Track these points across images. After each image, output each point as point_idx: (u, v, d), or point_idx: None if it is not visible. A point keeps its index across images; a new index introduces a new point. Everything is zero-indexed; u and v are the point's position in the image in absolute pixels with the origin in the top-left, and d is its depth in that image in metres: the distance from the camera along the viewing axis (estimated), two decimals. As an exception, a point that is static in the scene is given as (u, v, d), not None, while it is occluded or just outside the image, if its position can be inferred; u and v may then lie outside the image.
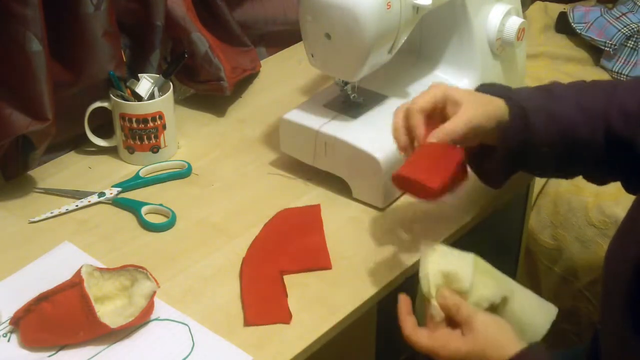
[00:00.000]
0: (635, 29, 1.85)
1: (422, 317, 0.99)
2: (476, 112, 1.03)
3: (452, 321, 0.95)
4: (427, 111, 1.03)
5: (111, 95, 1.28)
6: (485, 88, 1.10)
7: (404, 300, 0.99)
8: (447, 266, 0.97)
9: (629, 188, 1.10)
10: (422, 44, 1.37)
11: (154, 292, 1.01)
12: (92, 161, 1.33)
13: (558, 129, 1.06)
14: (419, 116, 1.02)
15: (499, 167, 1.09)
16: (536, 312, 0.99)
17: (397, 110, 1.06)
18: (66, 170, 1.31)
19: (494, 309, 0.98)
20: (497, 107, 1.05)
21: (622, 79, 1.84)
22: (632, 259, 0.90)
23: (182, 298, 1.06)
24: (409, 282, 1.13)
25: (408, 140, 1.03)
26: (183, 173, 1.29)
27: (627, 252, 0.93)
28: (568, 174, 1.15)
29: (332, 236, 1.17)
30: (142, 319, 1.01)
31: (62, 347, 0.99)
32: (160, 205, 1.21)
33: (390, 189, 1.22)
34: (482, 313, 0.95)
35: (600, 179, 1.13)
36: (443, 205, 1.11)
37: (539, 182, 1.67)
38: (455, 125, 1.01)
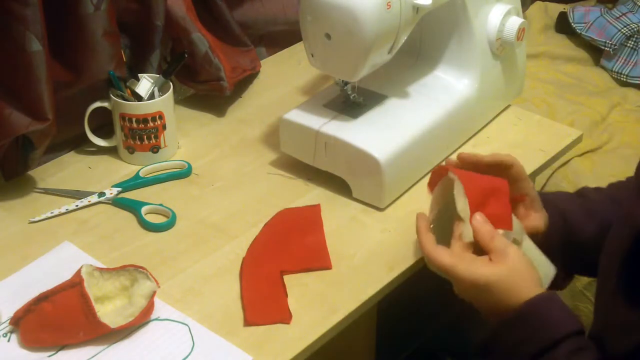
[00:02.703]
0: (635, 29, 1.85)
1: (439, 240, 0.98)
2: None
3: (478, 250, 0.95)
4: (489, 164, 1.03)
5: (111, 95, 1.28)
6: None
7: (422, 218, 0.98)
8: None
9: None
10: (422, 44, 1.36)
11: (154, 292, 1.01)
12: (92, 161, 1.33)
13: (595, 223, 1.07)
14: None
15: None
16: (538, 265, 0.99)
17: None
18: (66, 170, 1.31)
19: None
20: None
21: (622, 79, 1.84)
22: (626, 238, 0.92)
23: (182, 298, 1.06)
24: (409, 282, 1.14)
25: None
26: (183, 173, 1.29)
27: (622, 231, 0.94)
28: None
29: (332, 236, 1.17)
30: (142, 319, 1.01)
31: (62, 347, 0.99)
32: (160, 205, 1.21)
33: (390, 189, 1.22)
34: (515, 247, 0.95)
35: None
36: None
37: (539, 182, 1.67)
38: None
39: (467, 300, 0.97)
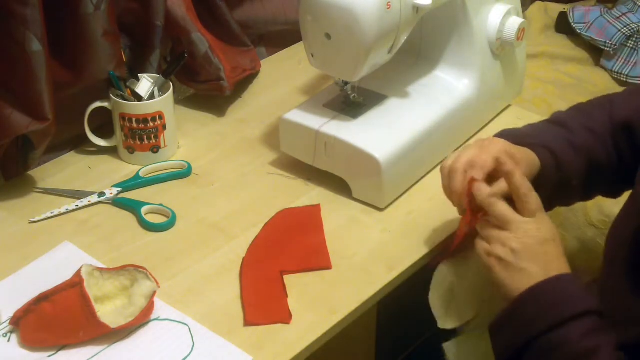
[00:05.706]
0: (635, 29, 1.85)
1: None
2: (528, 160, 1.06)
3: None
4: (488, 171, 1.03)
5: (111, 95, 1.28)
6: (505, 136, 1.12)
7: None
8: None
9: None
10: (422, 44, 1.36)
11: (154, 292, 1.01)
12: (92, 161, 1.33)
13: (584, 160, 1.09)
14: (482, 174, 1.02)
15: None
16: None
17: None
18: (66, 170, 1.31)
19: None
20: (530, 156, 1.07)
21: (622, 79, 1.84)
22: (634, 227, 0.93)
23: (182, 298, 1.06)
24: (409, 282, 1.14)
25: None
26: (183, 173, 1.29)
27: (630, 221, 0.95)
28: (591, 196, 1.18)
29: (332, 236, 1.17)
30: (142, 319, 1.01)
31: (62, 347, 0.99)
32: (160, 205, 1.21)
33: (390, 189, 1.22)
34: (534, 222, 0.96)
35: (616, 193, 1.17)
36: (443, 206, 1.11)
37: (539, 182, 1.67)
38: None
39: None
